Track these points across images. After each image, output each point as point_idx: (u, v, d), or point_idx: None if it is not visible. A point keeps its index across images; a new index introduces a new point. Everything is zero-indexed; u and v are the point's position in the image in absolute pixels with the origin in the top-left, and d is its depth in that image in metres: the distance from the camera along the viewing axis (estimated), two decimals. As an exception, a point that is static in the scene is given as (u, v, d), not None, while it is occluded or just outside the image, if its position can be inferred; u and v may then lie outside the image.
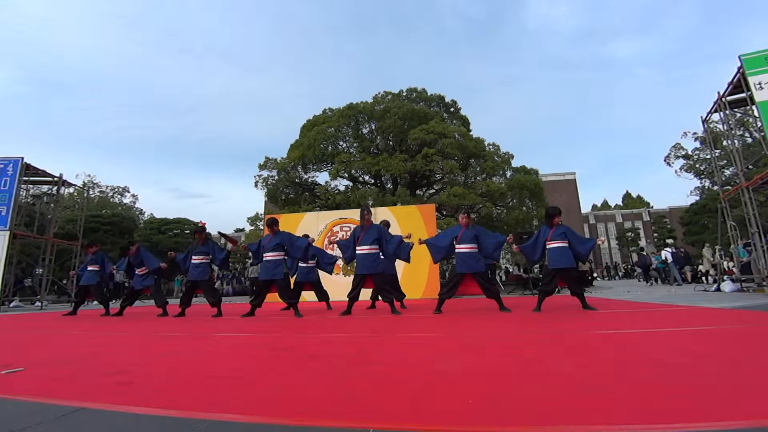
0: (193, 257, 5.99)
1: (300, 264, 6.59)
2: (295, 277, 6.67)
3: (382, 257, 5.62)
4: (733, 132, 9.11)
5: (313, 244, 6.86)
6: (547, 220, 5.19)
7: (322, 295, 6.88)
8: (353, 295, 5.38)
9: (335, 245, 10.85)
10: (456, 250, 5.19)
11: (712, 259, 9.54)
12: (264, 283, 5.65)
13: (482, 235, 5.21)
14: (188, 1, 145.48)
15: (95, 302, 7.29)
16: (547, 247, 5.00)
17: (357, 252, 5.44)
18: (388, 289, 5.46)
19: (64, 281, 14.30)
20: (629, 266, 17.73)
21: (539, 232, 5.21)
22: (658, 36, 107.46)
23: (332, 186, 16.24)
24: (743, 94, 8.06)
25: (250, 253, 6.03)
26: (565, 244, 4.91)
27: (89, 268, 6.96)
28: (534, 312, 4.71)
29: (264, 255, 5.64)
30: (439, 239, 5.42)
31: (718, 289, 8.20)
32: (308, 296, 7.31)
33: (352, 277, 9.50)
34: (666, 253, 14.33)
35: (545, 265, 5.26)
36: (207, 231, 6.36)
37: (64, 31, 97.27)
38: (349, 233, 10.84)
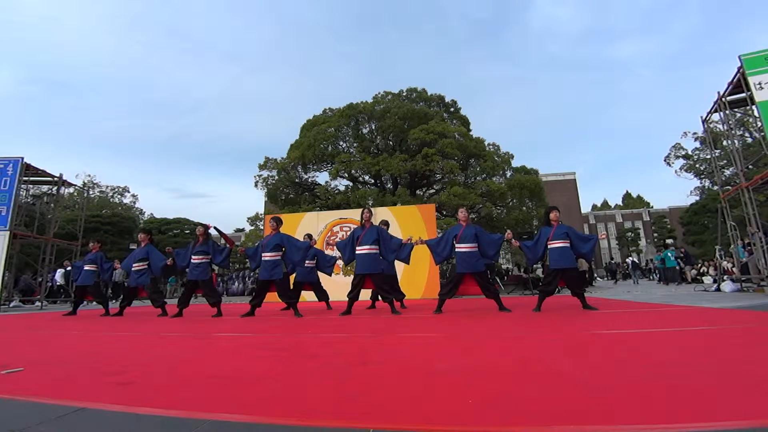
0: (193, 257, 5.95)
1: None
2: (294, 276, 6.66)
3: (381, 257, 5.62)
4: (733, 132, 9.11)
5: (314, 244, 6.90)
6: (545, 220, 5.24)
7: (322, 295, 6.89)
8: (353, 295, 5.38)
9: (334, 247, 10.88)
10: (456, 250, 5.18)
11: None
12: (263, 282, 5.64)
13: (482, 235, 5.21)
14: (189, 1, 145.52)
15: (95, 302, 7.23)
16: (549, 247, 4.99)
17: (357, 252, 5.44)
18: (387, 289, 5.46)
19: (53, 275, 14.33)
20: (627, 268, 19.60)
21: (540, 233, 5.21)
22: (659, 37, 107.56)
23: (332, 186, 16.24)
24: (743, 94, 8.06)
25: (248, 258, 5.95)
26: (567, 244, 4.90)
27: (86, 268, 6.88)
28: (534, 312, 4.71)
29: (263, 255, 5.63)
30: (440, 244, 5.37)
31: (718, 289, 8.20)
32: (308, 296, 7.32)
33: (351, 277, 9.51)
34: (629, 261, 18.51)
35: (547, 265, 5.27)
36: (208, 231, 6.33)
37: (65, 31, 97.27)
38: (349, 233, 10.85)
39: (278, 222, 5.93)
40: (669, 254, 15.05)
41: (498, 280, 14.84)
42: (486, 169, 14.79)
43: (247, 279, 19.96)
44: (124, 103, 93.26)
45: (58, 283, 13.06)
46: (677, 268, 14.73)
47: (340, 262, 10.51)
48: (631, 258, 18.62)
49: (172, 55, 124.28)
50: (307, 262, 6.53)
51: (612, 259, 26.42)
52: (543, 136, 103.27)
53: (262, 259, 5.62)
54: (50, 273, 13.54)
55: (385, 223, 6.36)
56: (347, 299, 5.41)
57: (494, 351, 2.42)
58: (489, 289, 5.13)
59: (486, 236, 5.24)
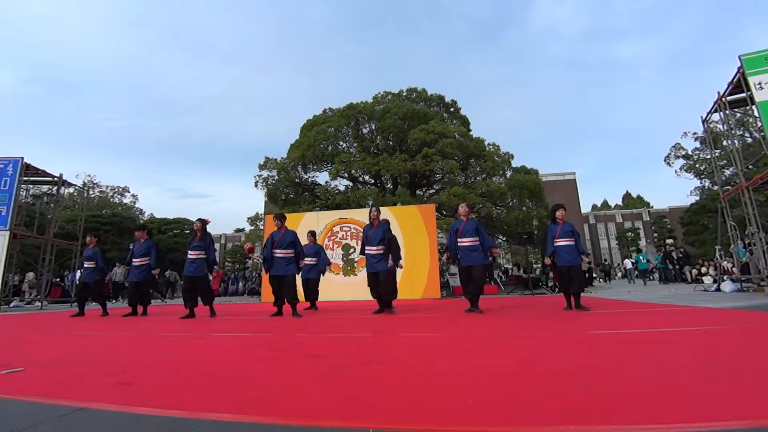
0: (190, 252, 5.76)
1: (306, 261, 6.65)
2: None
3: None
4: (733, 132, 9.12)
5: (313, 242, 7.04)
6: (551, 217, 5.30)
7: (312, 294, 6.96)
8: (377, 294, 5.55)
9: (338, 245, 10.90)
10: (458, 244, 5.23)
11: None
12: (277, 279, 5.59)
13: (482, 230, 5.29)
14: (189, 1, 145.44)
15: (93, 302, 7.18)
16: (555, 244, 5.04)
17: (366, 252, 5.62)
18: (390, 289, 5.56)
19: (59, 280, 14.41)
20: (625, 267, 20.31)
21: (548, 230, 5.26)
22: (660, 37, 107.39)
23: (332, 186, 16.22)
24: (743, 94, 8.06)
25: (265, 261, 5.70)
26: (572, 242, 4.97)
27: (86, 265, 6.78)
28: (565, 310, 4.79)
29: (276, 251, 5.59)
30: (448, 242, 5.50)
31: (718, 289, 8.20)
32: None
33: (351, 277, 9.51)
34: (627, 261, 19.30)
35: (547, 265, 5.32)
36: (206, 225, 6.05)
37: (65, 30, 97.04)
38: (348, 233, 10.87)
39: (283, 219, 5.87)
40: (641, 257, 16.24)
41: (498, 280, 14.87)
42: (486, 169, 14.76)
43: (247, 280, 19.98)
44: (124, 103, 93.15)
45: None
46: (650, 270, 16.22)
47: (339, 262, 10.54)
48: (630, 259, 19.06)
49: (172, 55, 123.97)
50: (308, 260, 6.59)
51: (606, 260, 26.96)
52: (543, 136, 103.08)
53: (276, 255, 5.57)
54: (70, 273, 13.65)
55: (386, 222, 6.43)
56: (375, 298, 5.60)
57: (494, 351, 2.42)
58: (475, 285, 5.14)
59: (485, 233, 5.31)
